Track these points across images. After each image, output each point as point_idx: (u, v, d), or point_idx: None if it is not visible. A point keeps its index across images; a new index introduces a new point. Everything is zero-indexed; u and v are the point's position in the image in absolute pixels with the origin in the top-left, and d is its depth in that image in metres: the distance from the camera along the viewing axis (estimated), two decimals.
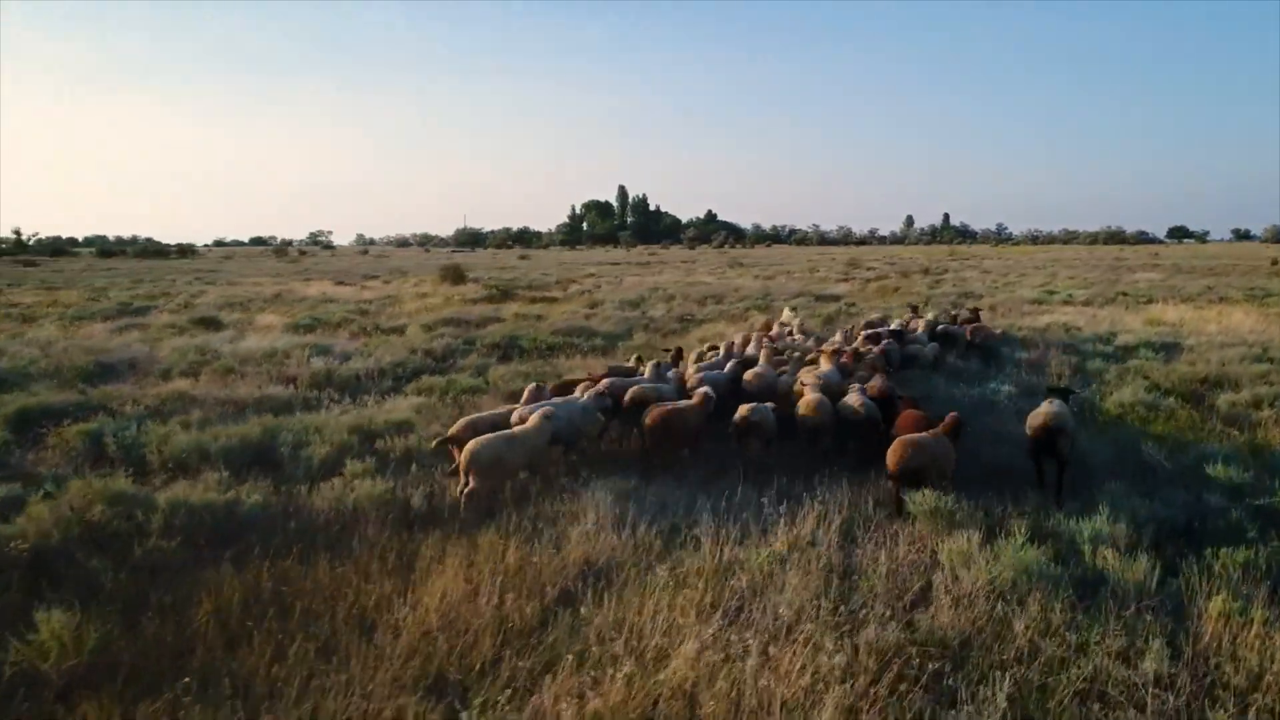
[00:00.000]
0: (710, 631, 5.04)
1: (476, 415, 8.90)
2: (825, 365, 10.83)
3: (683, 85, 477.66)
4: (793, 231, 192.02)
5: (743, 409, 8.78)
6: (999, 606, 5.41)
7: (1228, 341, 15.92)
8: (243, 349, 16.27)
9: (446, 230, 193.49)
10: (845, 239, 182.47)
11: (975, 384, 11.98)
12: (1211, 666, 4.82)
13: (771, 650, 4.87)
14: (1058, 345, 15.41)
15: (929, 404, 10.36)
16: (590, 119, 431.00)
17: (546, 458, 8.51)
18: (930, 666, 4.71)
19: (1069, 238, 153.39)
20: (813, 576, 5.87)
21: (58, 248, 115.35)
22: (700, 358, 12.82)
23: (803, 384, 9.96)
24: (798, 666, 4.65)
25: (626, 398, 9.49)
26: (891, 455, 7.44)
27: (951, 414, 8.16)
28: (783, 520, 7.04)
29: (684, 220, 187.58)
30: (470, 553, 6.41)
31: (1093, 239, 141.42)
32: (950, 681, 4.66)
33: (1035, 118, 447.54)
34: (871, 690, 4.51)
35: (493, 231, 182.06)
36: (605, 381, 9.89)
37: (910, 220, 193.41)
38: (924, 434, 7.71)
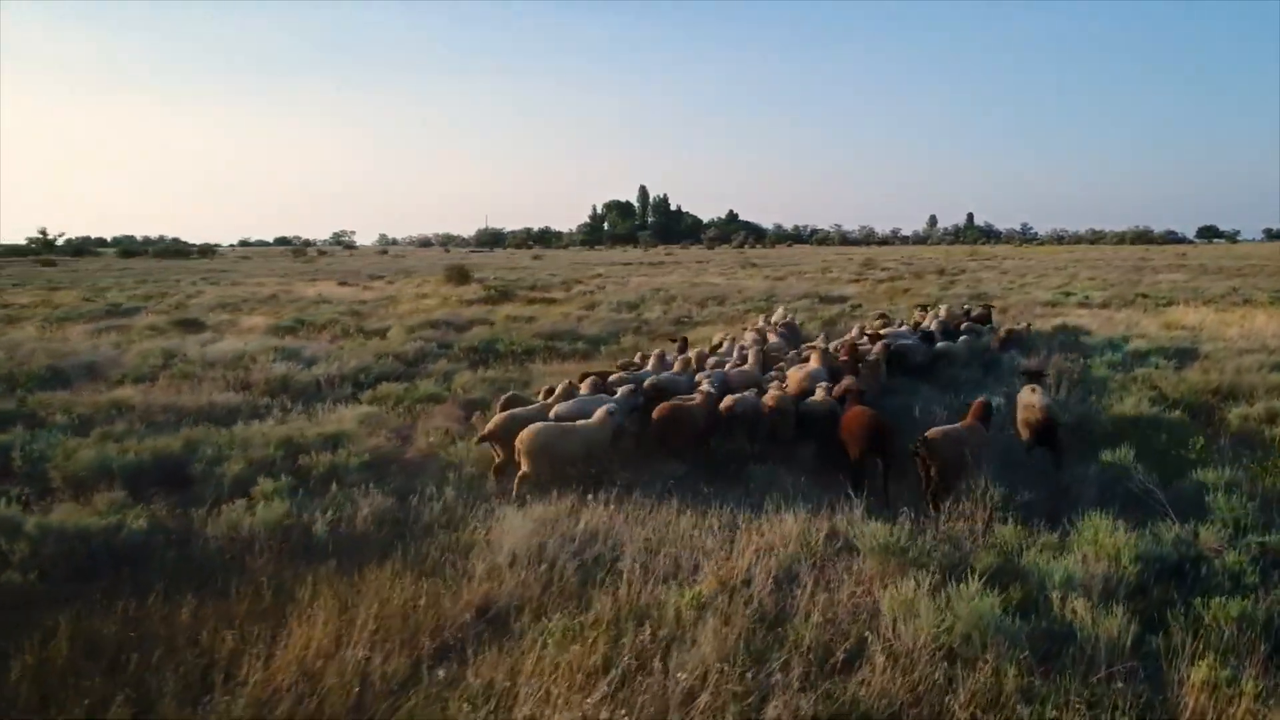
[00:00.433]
0: (591, 701, 4.28)
1: (515, 410, 8.88)
2: (814, 364, 10.65)
3: (705, 85, 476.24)
4: (814, 231, 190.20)
5: (728, 399, 9.01)
6: (943, 668, 4.61)
7: (1248, 347, 14.90)
8: (213, 352, 15.70)
9: (468, 230, 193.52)
10: (867, 239, 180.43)
11: (968, 392, 11.11)
12: None
13: None
14: (1061, 352, 14.46)
15: (907, 419, 9.59)
16: (612, 119, 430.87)
17: (609, 453, 8.55)
18: None
19: (1095, 238, 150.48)
20: (735, 626, 5.10)
21: (81, 248, 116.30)
22: (713, 350, 13.05)
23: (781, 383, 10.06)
24: None
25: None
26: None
27: (979, 399, 8.39)
28: (721, 551, 6.29)
29: (705, 220, 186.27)
30: (357, 590, 5.69)
31: (1119, 239, 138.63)
32: None
33: (1062, 116, 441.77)
34: None
35: (512, 232, 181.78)
36: (649, 381, 9.96)
37: (933, 220, 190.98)
38: (956, 425, 7.86)
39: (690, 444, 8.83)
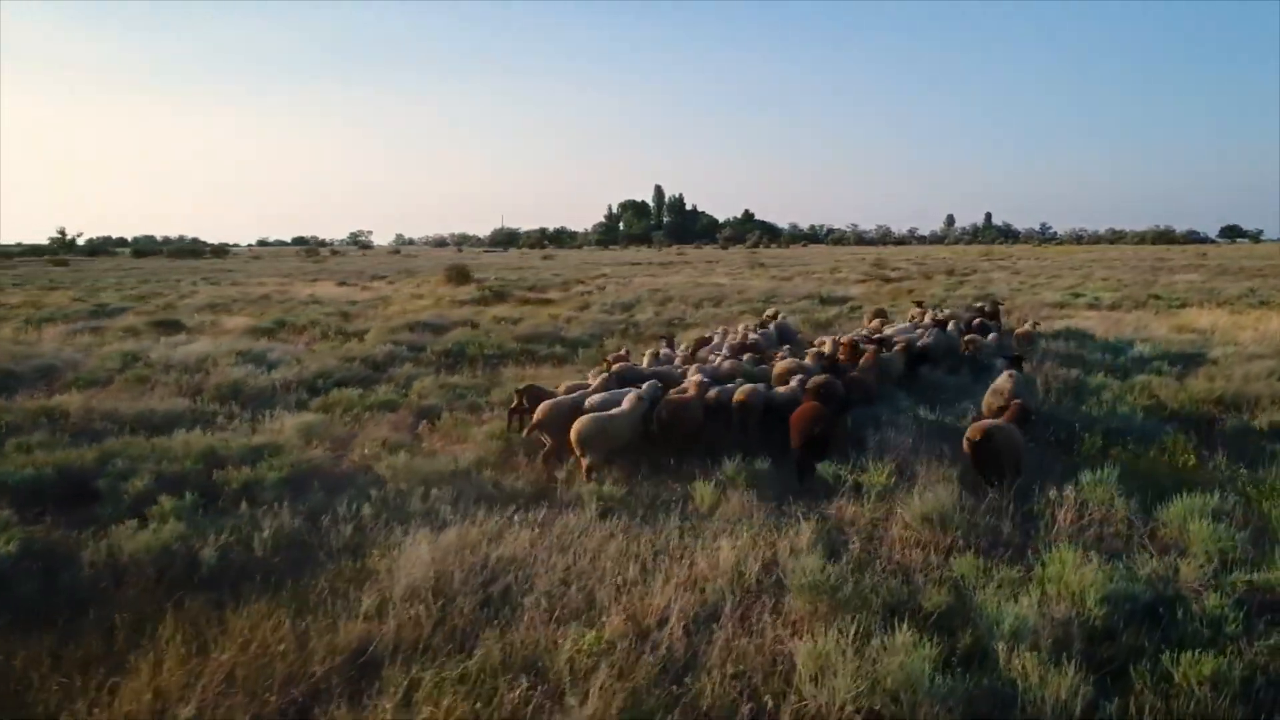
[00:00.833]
0: None
1: (558, 398, 9.11)
2: (807, 360, 10.95)
3: (721, 85, 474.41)
4: (830, 231, 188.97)
5: (712, 391, 9.31)
6: None
7: (1259, 353, 14.09)
8: (179, 354, 15.18)
9: (484, 230, 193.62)
10: (884, 239, 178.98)
11: (945, 403, 10.39)
12: None
13: None
14: (1057, 357, 13.69)
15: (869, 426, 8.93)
16: (630, 120, 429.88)
17: (640, 436, 8.72)
18: None
19: (1115, 237, 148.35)
20: (632, 679, 4.45)
21: (97, 248, 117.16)
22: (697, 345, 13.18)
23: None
24: None
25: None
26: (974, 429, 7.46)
27: (1016, 401, 8.21)
28: (645, 584, 5.65)
29: (721, 220, 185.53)
30: (223, 629, 5.08)
31: (1140, 239, 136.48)
32: None
33: (1083, 115, 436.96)
34: None
35: (527, 232, 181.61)
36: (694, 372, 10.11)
37: (951, 220, 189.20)
38: (995, 421, 7.68)
39: (690, 438, 8.83)
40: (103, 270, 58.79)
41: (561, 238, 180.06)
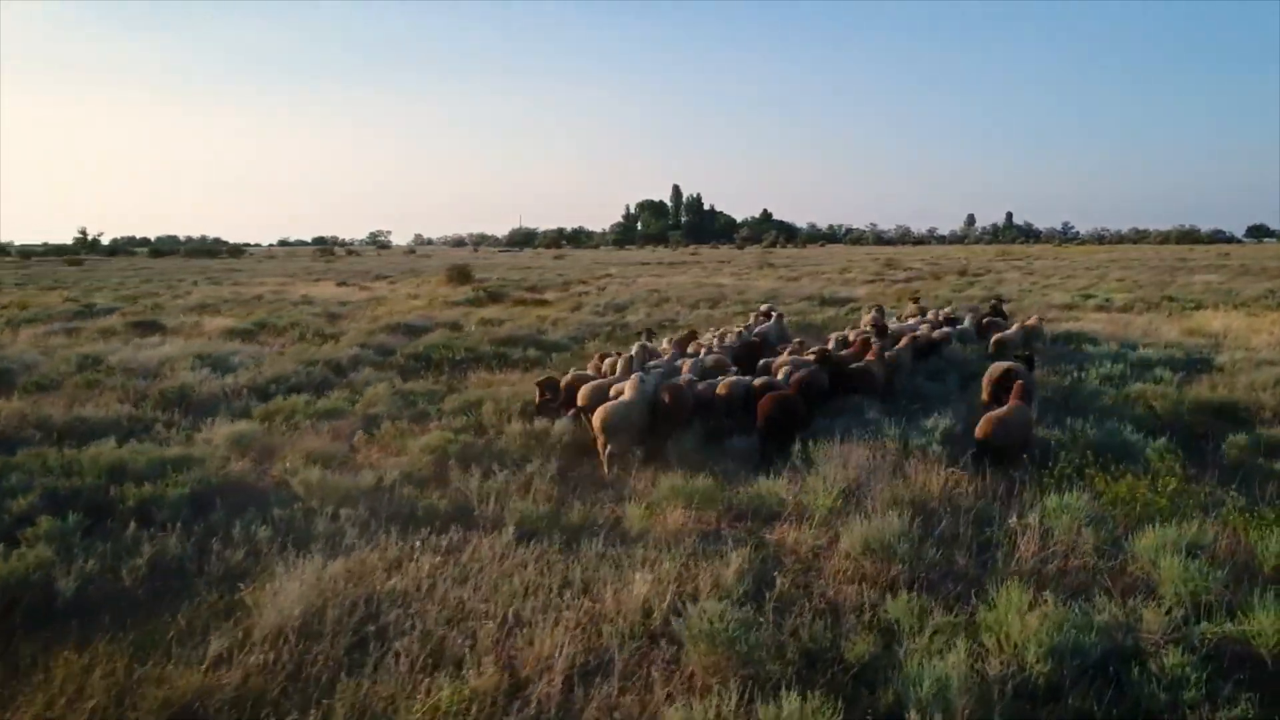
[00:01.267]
0: None
1: (600, 381, 9.69)
2: (808, 355, 11.01)
3: (740, 84, 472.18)
4: (849, 230, 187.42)
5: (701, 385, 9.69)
6: None
7: (1270, 358, 13.27)
8: (142, 357, 14.73)
9: (503, 230, 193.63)
10: (903, 238, 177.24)
11: (922, 414, 9.68)
12: None
13: None
14: (1052, 363, 12.93)
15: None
16: (648, 119, 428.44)
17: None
18: None
19: (1138, 237, 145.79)
20: None
21: (116, 248, 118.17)
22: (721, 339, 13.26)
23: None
24: None
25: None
26: (981, 427, 7.82)
27: (1018, 383, 8.40)
28: (535, 625, 5.03)
29: (739, 220, 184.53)
30: (42, 680, 4.50)
31: (1164, 238, 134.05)
32: None
33: (1107, 112, 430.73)
34: None
35: (544, 231, 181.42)
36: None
37: (971, 219, 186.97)
38: (1004, 409, 8.03)
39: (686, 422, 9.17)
40: (114, 270, 58.98)
41: (579, 238, 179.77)
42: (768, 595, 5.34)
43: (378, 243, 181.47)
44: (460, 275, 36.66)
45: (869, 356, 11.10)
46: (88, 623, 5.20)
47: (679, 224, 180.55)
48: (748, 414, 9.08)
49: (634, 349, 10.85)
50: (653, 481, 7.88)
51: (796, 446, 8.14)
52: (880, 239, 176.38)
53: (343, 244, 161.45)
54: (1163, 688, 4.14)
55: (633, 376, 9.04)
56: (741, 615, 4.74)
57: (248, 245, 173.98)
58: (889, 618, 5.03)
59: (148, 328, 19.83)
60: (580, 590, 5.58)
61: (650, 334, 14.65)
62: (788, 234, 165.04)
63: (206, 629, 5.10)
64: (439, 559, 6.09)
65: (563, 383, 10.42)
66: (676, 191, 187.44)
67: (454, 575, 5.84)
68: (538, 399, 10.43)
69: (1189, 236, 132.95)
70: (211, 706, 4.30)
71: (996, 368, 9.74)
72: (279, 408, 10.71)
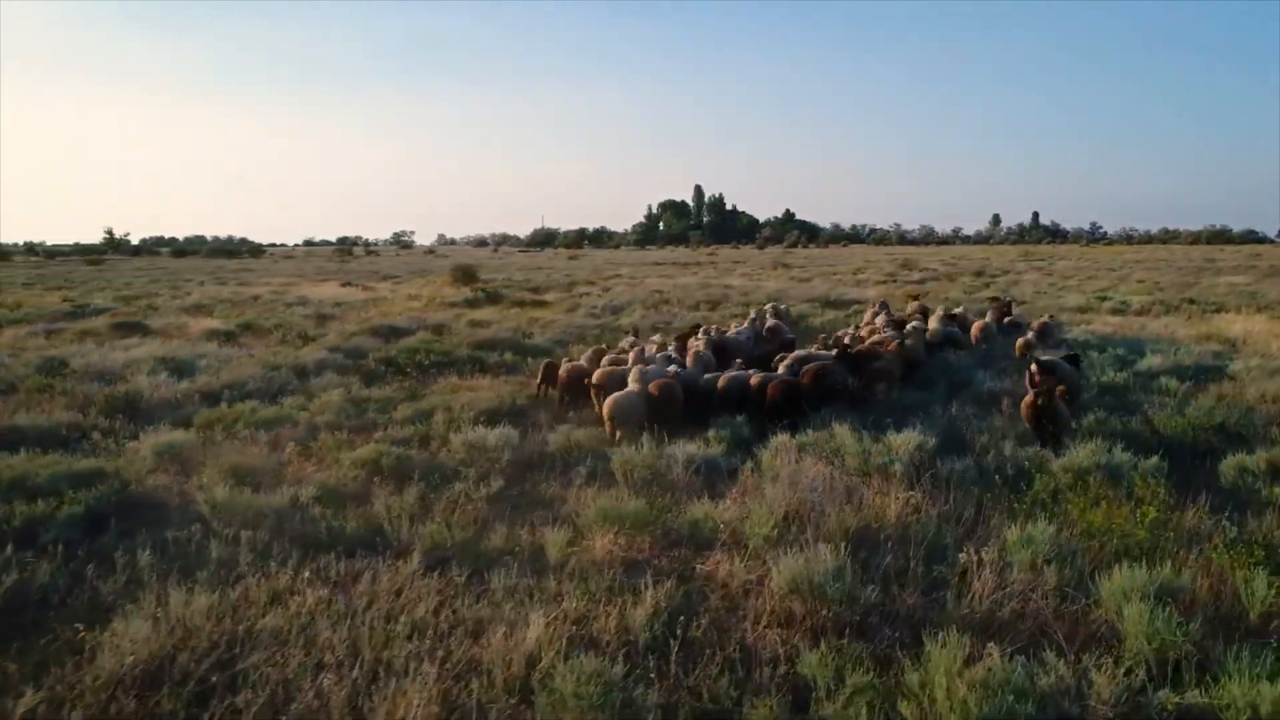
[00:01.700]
0: None
1: (613, 367, 10.64)
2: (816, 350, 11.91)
3: (763, 83, 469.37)
4: (872, 231, 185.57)
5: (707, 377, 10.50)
6: None
7: None
8: (108, 360, 14.30)
9: (525, 230, 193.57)
10: (927, 238, 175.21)
11: (890, 425, 8.97)
12: None
13: None
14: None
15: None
16: (671, 120, 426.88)
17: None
18: None
19: (1168, 237, 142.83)
20: None
21: (140, 249, 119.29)
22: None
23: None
24: None
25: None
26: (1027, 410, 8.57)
27: (1060, 387, 8.87)
28: (408, 674, 4.42)
29: (761, 220, 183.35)
30: None
31: (1194, 238, 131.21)
32: None
33: (1136, 110, 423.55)
34: None
35: (566, 232, 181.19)
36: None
37: (997, 219, 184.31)
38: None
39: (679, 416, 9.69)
40: (129, 270, 59.21)
41: (600, 238, 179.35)
42: (673, 643, 4.68)
43: (401, 243, 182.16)
44: (465, 276, 36.18)
45: (888, 349, 11.87)
46: None
47: (700, 224, 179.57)
48: (745, 406, 9.71)
49: (626, 343, 12.32)
50: (594, 499, 7.28)
51: (749, 463, 7.51)
52: (904, 239, 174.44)
53: (366, 245, 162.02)
54: None
55: (634, 369, 9.92)
56: (629, 670, 4.10)
57: (273, 245, 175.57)
58: (803, 674, 4.38)
59: (130, 329, 19.47)
60: (470, 633, 4.97)
61: (637, 332, 15.10)
62: (810, 234, 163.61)
63: (38, 676, 4.54)
64: (327, 591, 5.51)
65: (561, 372, 11.28)
66: (699, 191, 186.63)
67: (338, 612, 5.24)
68: (539, 385, 11.70)
69: (1220, 237, 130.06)
70: None
71: (1038, 364, 9.77)
72: (222, 415, 10.21)
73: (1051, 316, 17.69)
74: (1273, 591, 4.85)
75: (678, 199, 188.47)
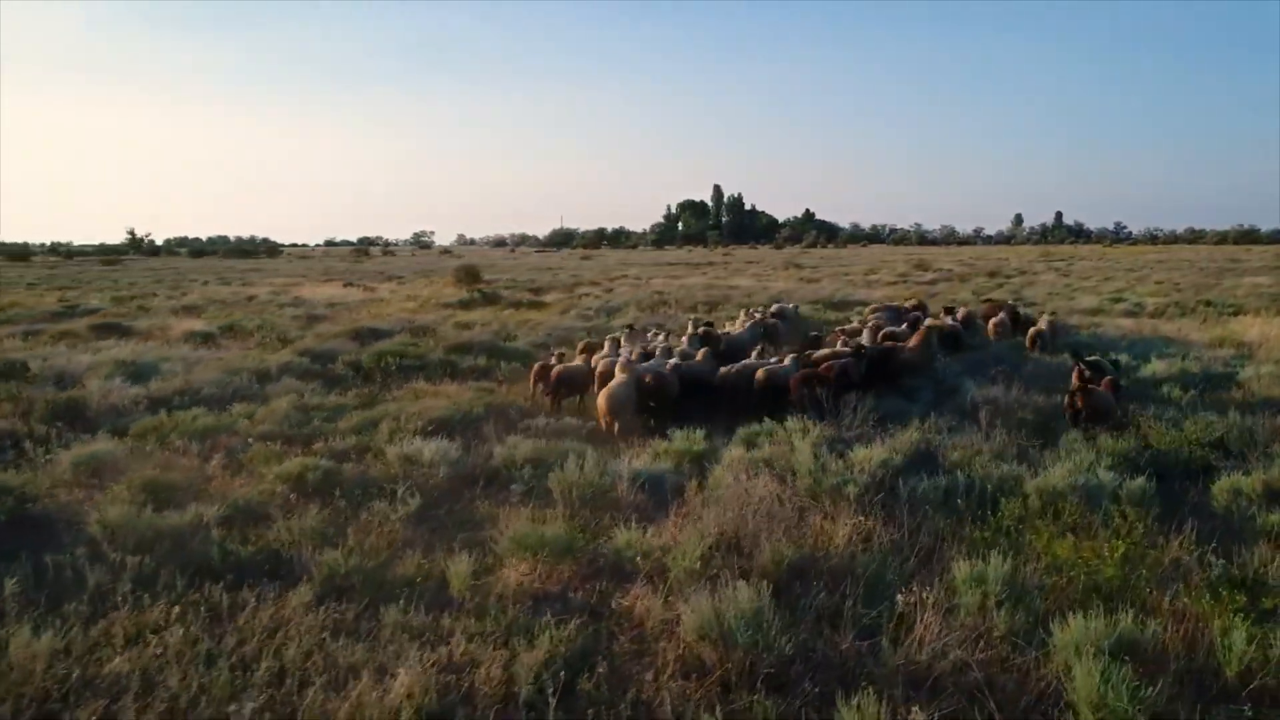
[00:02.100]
0: None
1: (605, 365, 10.78)
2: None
3: (783, 83, 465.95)
4: (893, 231, 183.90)
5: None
6: None
7: None
8: (72, 363, 13.87)
9: (544, 230, 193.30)
10: (948, 239, 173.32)
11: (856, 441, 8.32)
12: None
13: None
14: (1041, 380, 11.45)
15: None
16: (690, 119, 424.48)
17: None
18: None
19: (1194, 237, 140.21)
20: None
21: (160, 249, 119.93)
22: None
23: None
24: None
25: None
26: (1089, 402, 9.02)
27: (1107, 379, 9.70)
28: None
29: (781, 220, 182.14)
30: None
31: (1221, 238, 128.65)
32: None
33: (1163, 107, 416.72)
34: None
35: (584, 232, 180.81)
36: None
37: (1019, 219, 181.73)
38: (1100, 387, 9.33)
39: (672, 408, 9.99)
40: (142, 269, 59.40)
41: (619, 238, 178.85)
42: (552, 700, 4.08)
43: (421, 243, 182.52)
44: (468, 276, 35.74)
45: (913, 343, 12.32)
46: None
47: (719, 224, 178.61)
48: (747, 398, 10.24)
49: (618, 337, 13.32)
50: (534, 516, 6.73)
51: (694, 483, 6.90)
52: (924, 239, 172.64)
53: (385, 244, 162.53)
54: None
55: (623, 362, 10.23)
56: None
57: (294, 245, 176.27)
58: None
59: (111, 330, 19.10)
60: (333, 682, 4.40)
61: (630, 329, 15.25)
62: (829, 234, 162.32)
63: None
64: (198, 629, 4.96)
65: (554, 372, 11.35)
66: (717, 191, 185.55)
67: (201, 654, 4.69)
68: (533, 383, 11.83)
69: (1248, 236, 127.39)
70: None
71: (1082, 363, 10.06)
72: (160, 424, 9.69)
73: (1054, 314, 17.75)
74: (1253, 646, 4.18)
75: (696, 199, 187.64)
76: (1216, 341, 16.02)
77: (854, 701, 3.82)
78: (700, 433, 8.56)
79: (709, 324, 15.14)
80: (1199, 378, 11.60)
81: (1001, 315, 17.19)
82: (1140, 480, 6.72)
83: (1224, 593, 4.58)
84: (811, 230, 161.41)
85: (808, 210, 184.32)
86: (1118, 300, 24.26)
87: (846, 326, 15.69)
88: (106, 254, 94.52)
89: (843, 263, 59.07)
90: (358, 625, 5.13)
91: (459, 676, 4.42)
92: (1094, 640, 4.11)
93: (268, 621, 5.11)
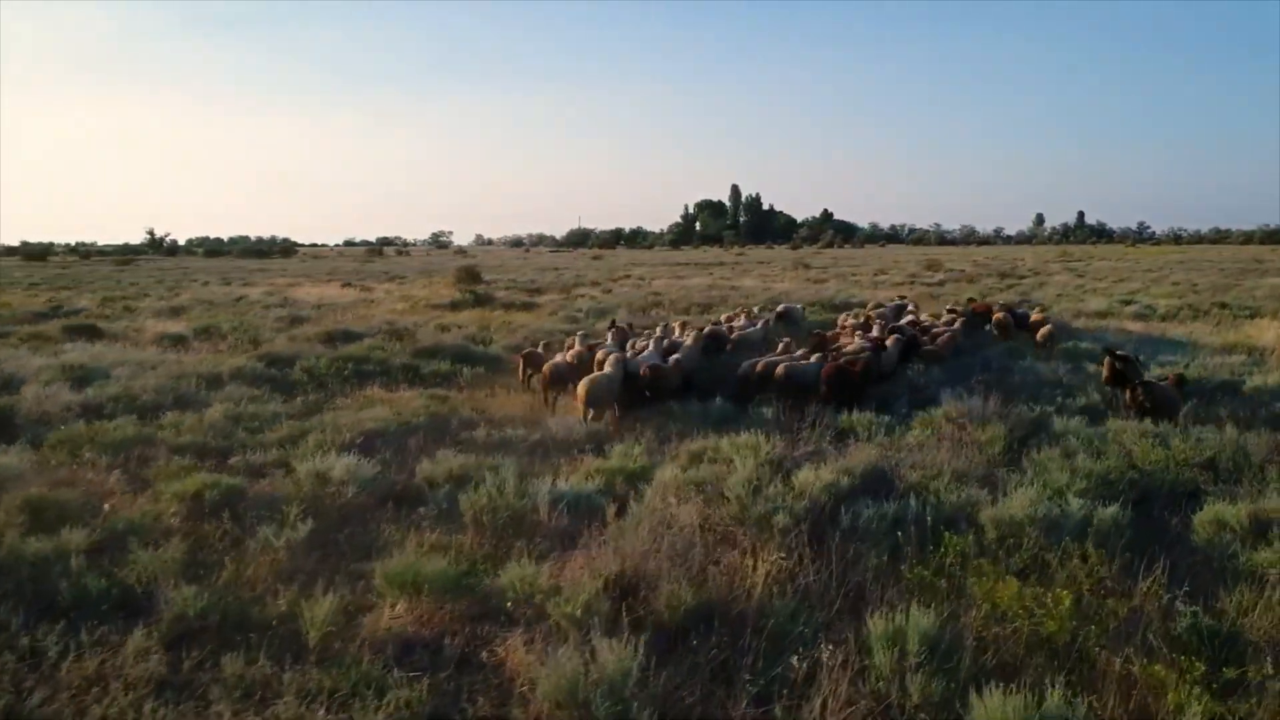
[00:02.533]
0: None
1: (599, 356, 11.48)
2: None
3: (802, 83, 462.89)
4: (911, 230, 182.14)
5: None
6: None
7: None
8: (28, 366, 13.35)
9: (562, 231, 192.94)
10: (968, 238, 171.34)
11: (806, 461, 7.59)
12: None
13: None
14: (1028, 390, 10.68)
15: None
16: (709, 120, 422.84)
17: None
18: None
19: (1219, 237, 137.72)
20: None
21: (177, 248, 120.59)
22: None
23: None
24: None
25: None
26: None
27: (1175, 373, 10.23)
28: None
29: (799, 220, 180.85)
30: None
31: (1246, 238, 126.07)
32: None
33: (1188, 105, 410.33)
34: None
35: (600, 232, 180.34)
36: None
37: (1040, 219, 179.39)
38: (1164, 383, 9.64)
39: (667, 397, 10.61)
40: (150, 269, 59.52)
41: (635, 238, 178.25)
42: None
43: (439, 243, 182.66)
44: (468, 277, 35.23)
45: (944, 339, 13.68)
46: None
47: (736, 224, 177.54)
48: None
49: (610, 331, 14.62)
50: (436, 543, 6.09)
51: (611, 509, 6.21)
52: (944, 239, 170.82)
53: (401, 244, 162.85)
54: None
55: (613, 355, 10.88)
56: None
57: (314, 245, 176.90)
58: None
59: (83, 332, 18.62)
60: None
61: (614, 324, 15.65)
62: (847, 234, 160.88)
63: None
64: (9, 680, 4.34)
65: (546, 367, 11.54)
66: (735, 191, 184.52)
67: None
68: (521, 372, 12.43)
69: (1274, 236, 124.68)
70: None
71: (1111, 358, 10.44)
72: (76, 434, 9.11)
73: (1042, 308, 18.17)
74: None
75: (714, 199, 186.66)
76: (1227, 346, 15.17)
77: None
78: (639, 448, 7.88)
79: (717, 322, 16.36)
80: (1204, 386, 10.79)
81: (1003, 315, 16.71)
82: (1113, 509, 5.96)
83: (1182, 659, 3.84)
84: (829, 230, 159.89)
85: (826, 210, 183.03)
86: (1128, 302, 23.32)
87: (849, 322, 16.07)
88: (125, 254, 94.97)
89: (854, 263, 58.09)
90: (193, 677, 4.50)
91: None
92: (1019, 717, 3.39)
93: (91, 673, 4.49)
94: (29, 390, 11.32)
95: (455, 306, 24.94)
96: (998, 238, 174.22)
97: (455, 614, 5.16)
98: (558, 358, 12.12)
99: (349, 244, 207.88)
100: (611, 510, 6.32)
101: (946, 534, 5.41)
